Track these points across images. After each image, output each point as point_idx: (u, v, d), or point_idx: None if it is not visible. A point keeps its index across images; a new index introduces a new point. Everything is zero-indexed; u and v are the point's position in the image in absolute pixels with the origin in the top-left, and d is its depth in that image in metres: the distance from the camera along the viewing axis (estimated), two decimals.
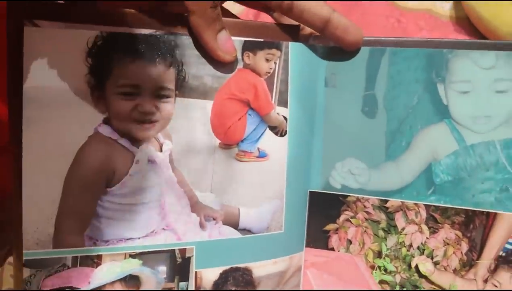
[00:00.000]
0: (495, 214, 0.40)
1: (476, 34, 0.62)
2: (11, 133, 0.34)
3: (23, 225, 0.34)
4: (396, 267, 0.43)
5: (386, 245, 0.43)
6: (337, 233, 0.44)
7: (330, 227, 0.44)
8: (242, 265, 0.40)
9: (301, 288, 0.44)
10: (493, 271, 0.41)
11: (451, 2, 0.64)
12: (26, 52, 0.33)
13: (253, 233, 0.41)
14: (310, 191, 0.44)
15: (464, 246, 0.41)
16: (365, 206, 0.43)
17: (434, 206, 0.41)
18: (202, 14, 0.35)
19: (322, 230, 0.44)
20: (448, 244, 0.42)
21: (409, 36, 0.60)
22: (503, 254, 0.40)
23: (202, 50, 0.37)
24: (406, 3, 0.65)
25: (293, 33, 0.40)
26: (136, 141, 0.37)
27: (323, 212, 0.44)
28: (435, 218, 0.42)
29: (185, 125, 0.38)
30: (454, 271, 0.42)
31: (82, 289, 0.35)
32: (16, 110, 0.34)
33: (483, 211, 0.40)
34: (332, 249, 0.44)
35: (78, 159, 0.35)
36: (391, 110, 0.42)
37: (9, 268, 0.50)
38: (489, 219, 0.40)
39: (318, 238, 0.45)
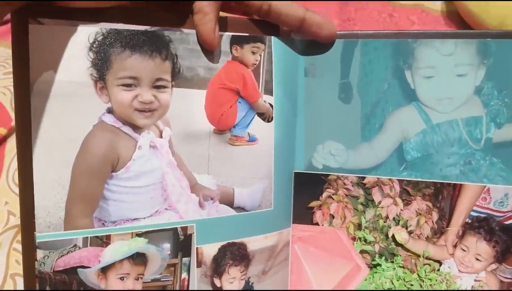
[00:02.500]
0: (461, 185, 0.43)
1: (465, 28, 0.64)
2: (18, 125, 0.35)
3: (35, 210, 0.35)
4: (375, 238, 0.46)
5: (365, 218, 0.46)
6: (320, 209, 0.47)
7: (314, 204, 0.47)
8: (237, 240, 0.42)
9: (290, 261, 0.47)
10: (461, 237, 0.44)
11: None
12: (32, 48, 0.34)
13: (246, 211, 0.43)
14: (295, 172, 0.46)
15: (435, 215, 0.45)
16: (344, 183, 0.46)
17: (407, 180, 0.45)
18: (206, 12, 0.37)
19: (307, 207, 0.47)
20: (420, 214, 0.45)
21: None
22: (469, 221, 0.44)
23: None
24: (398, 0, 0.67)
25: (275, 28, 0.43)
26: (138, 129, 0.38)
27: (307, 191, 0.47)
28: (408, 191, 0.45)
29: (182, 113, 0.40)
30: (427, 238, 0.45)
31: (93, 267, 0.36)
32: (24, 103, 0.35)
33: (450, 183, 0.44)
34: (317, 224, 0.47)
35: (84, 146, 0.36)
36: (365, 96, 0.45)
37: (14, 254, 0.50)
38: (456, 190, 0.44)
39: (303, 215, 0.47)
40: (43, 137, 0.35)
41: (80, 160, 0.36)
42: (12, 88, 0.62)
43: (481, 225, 0.43)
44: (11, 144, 0.58)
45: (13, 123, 0.59)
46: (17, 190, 0.57)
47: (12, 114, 0.60)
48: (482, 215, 0.44)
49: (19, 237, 0.55)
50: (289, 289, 0.47)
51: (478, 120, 0.43)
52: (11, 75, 0.65)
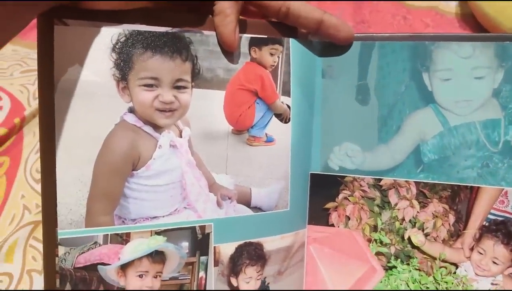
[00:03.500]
0: (478, 187, 0.43)
1: (480, 30, 0.63)
2: (42, 123, 0.35)
3: (58, 206, 0.35)
4: (390, 240, 0.45)
5: (381, 220, 0.45)
6: (336, 210, 0.46)
7: (330, 205, 0.46)
8: (254, 240, 0.42)
9: (305, 262, 0.46)
10: (478, 240, 0.43)
11: (456, 0, 0.64)
12: (56, 48, 0.35)
13: (263, 211, 0.42)
14: (311, 173, 0.46)
15: (451, 218, 0.44)
16: (361, 185, 0.46)
17: (423, 182, 0.44)
18: (227, 14, 0.37)
19: (323, 208, 0.46)
20: (437, 216, 0.44)
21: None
22: (486, 224, 0.43)
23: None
24: (412, 2, 0.65)
25: (293, 30, 0.42)
26: (159, 128, 0.38)
27: (323, 192, 0.46)
28: (425, 193, 0.44)
29: (202, 113, 0.40)
30: (443, 241, 0.44)
31: (112, 264, 0.36)
32: (48, 102, 0.35)
33: (467, 186, 0.43)
34: (332, 225, 0.47)
35: (106, 145, 0.36)
36: (382, 97, 0.44)
37: (31, 251, 0.50)
38: (473, 192, 0.43)
39: (319, 216, 0.47)
40: (66, 135, 0.35)
41: (102, 158, 0.36)
42: (29, 87, 0.63)
43: (499, 228, 0.43)
44: (29, 138, 0.58)
45: (26, 112, 0.59)
46: (34, 185, 0.57)
47: (28, 109, 0.60)
48: (500, 218, 0.43)
49: (35, 234, 0.55)
50: (304, 289, 0.46)
51: (496, 123, 0.42)
52: (29, 74, 0.66)
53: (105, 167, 0.36)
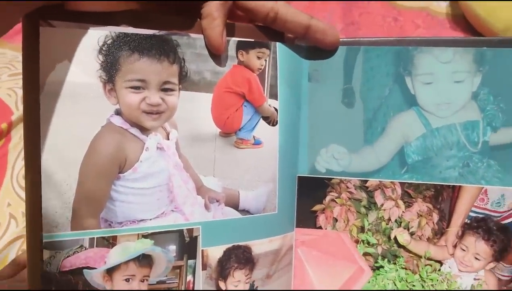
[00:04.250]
0: (460, 186, 0.43)
1: (471, 31, 0.62)
2: (27, 125, 0.34)
3: (43, 209, 0.34)
4: (377, 240, 0.45)
5: (367, 221, 0.46)
6: (323, 213, 0.46)
7: (317, 207, 0.46)
8: (242, 243, 0.41)
9: (293, 265, 0.46)
10: (460, 237, 0.44)
11: (447, 1, 0.64)
12: (42, 50, 0.34)
13: (251, 214, 0.42)
14: (298, 176, 0.46)
15: (435, 217, 0.44)
16: (347, 187, 0.46)
17: (408, 183, 0.44)
18: (215, 17, 0.37)
19: (310, 210, 0.46)
20: (421, 215, 0.44)
21: (405, 35, 0.62)
22: (468, 221, 0.44)
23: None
24: (403, 2, 0.65)
25: (280, 34, 0.43)
26: (145, 131, 0.38)
27: (310, 194, 0.46)
28: (409, 193, 0.45)
29: (189, 116, 0.39)
30: (428, 239, 0.44)
31: (98, 268, 0.35)
32: (33, 104, 0.34)
33: (449, 185, 0.44)
34: (320, 228, 0.46)
35: (92, 147, 0.35)
36: (367, 101, 0.45)
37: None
38: (455, 191, 0.44)
39: (307, 218, 0.46)
40: (52, 137, 0.34)
41: (88, 160, 0.35)
42: (17, 90, 0.62)
43: (480, 225, 0.43)
44: (15, 140, 0.57)
45: (13, 117, 0.58)
46: (20, 192, 0.55)
47: (16, 113, 0.59)
48: (480, 215, 0.43)
49: (24, 246, 0.53)
50: (293, 290, 0.46)
51: (475, 125, 0.43)
52: (17, 77, 0.64)
53: (92, 169, 0.35)
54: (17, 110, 0.59)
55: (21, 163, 0.57)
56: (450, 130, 0.43)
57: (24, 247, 0.53)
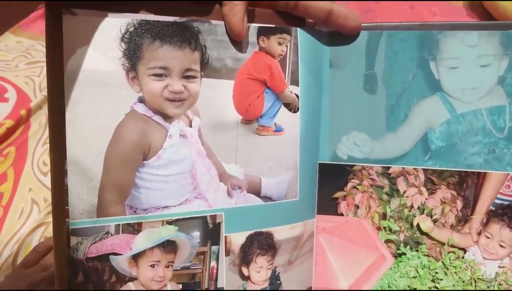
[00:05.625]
0: (485, 173, 0.42)
1: (488, 18, 0.61)
2: (51, 113, 0.34)
3: (69, 196, 0.34)
4: (399, 227, 0.44)
5: (390, 208, 0.45)
6: (345, 200, 0.45)
7: (339, 194, 0.46)
8: (264, 230, 0.41)
9: (314, 252, 0.45)
10: (485, 224, 0.43)
11: None
12: (65, 38, 0.34)
13: (273, 200, 0.41)
14: (319, 163, 0.45)
15: (459, 204, 0.43)
16: (369, 174, 0.45)
17: (431, 169, 0.43)
18: (236, 4, 0.36)
19: (332, 197, 0.46)
20: (445, 202, 0.43)
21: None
22: (493, 208, 0.43)
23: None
24: None
25: (301, 20, 0.42)
26: (168, 118, 0.37)
27: (331, 181, 0.45)
28: (433, 180, 0.43)
29: (211, 103, 0.39)
30: (451, 226, 0.43)
31: (124, 254, 0.35)
32: (57, 92, 0.34)
33: (474, 172, 0.42)
34: (341, 215, 0.46)
35: (116, 134, 0.35)
36: (390, 86, 0.44)
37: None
38: (480, 178, 0.42)
39: (328, 205, 0.46)
40: (76, 125, 0.34)
41: (112, 148, 0.35)
42: (35, 78, 0.62)
43: (505, 212, 0.42)
44: (34, 127, 0.57)
45: (32, 104, 0.58)
46: (41, 178, 0.56)
47: (34, 100, 0.59)
48: (506, 203, 0.42)
49: (46, 233, 0.54)
50: (313, 280, 0.45)
51: (502, 110, 0.42)
52: (34, 65, 0.65)
53: (116, 156, 0.35)
54: (35, 97, 0.59)
55: (41, 150, 0.58)
56: (476, 116, 0.42)
57: (46, 234, 0.54)
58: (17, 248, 0.53)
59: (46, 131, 0.59)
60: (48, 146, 0.52)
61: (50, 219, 0.54)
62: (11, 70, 0.64)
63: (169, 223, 0.37)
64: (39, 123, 0.60)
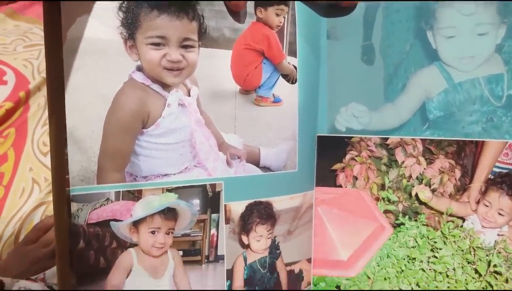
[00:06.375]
0: (483, 142, 0.42)
1: None
2: (50, 82, 0.34)
3: (69, 164, 0.34)
4: (398, 197, 0.45)
5: (388, 178, 0.45)
6: (343, 171, 0.46)
7: (337, 166, 0.46)
8: (264, 199, 0.41)
9: (313, 223, 0.45)
10: (483, 193, 0.43)
11: None
12: (64, 8, 0.34)
13: (272, 171, 0.42)
14: (318, 135, 0.45)
15: (458, 173, 0.43)
16: (368, 145, 0.45)
17: (430, 139, 0.43)
18: None
19: (330, 169, 0.46)
20: (443, 172, 0.43)
21: None
22: (492, 177, 0.43)
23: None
24: None
25: None
26: (167, 87, 0.37)
27: (330, 153, 0.45)
28: (431, 150, 0.44)
29: (209, 72, 0.39)
30: (450, 196, 0.43)
31: (125, 220, 0.35)
32: (56, 61, 0.34)
33: (472, 140, 0.42)
34: (340, 186, 0.46)
35: (115, 102, 0.35)
36: (387, 57, 0.44)
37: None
38: (478, 147, 0.42)
39: (327, 177, 0.46)
40: (75, 93, 0.34)
41: (111, 116, 0.35)
42: (33, 61, 0.62)
43: (504, 181, 0.42)
44: (33, 109, 0.57)
45: (30, 85, 0.58)
46: (41, 158, 0.56)
47: (32, 82, 0.59)
48: (504, 171, 0.42)
49: (47, 212, 0.54)
50: (313, 251, 0.46)
51: (500, 78, 0.41)
52: (32, 48, 0.64)
53: (115, 124, 0.35)
54: (34, 79, 0.59)
55: (40, 131, 0.58)
56: (473, 84, 0.42)
57: (47, 213, 0.54)
58: (19, 226, 0.54)
59: (45, 112, 0.59)
60: (48, 127, 0.52)
61: (51, 198, 0.54)
62: (9, 53, 0.64)
63: (169, 190, 0.37)
64: (38, 104, 0.60)
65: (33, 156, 0.56)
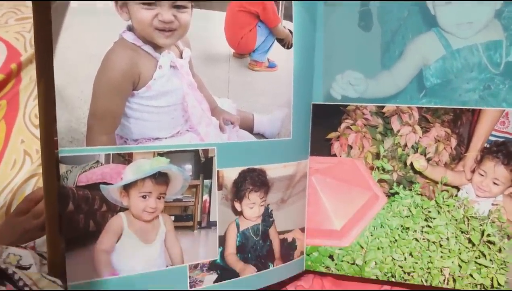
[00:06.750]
0: (480, 110, 0.42)
1: None
2: (38, 40, 0.33)
3: (58, 124, 0.33)
4: (393, 166, 0.44)
5: (383, 147, 0.44)
6: (338, 140, 0.45)
7: (332, 135, 0.45)
8: (257, 167, 0.40)
9: (307, 192, 0.45)
10: (479, 162, 0.42)
11: None
12: None
13: (266, 138, 0.41)
14: (313, 104, 0.44)
15: (453, 142, 0.43)
16: (363, 113, 0.44)
17: (426, 107, 0.43)
18: None
19: (325, 138, 0.45)
20: (439, 141, 0.43)
21: None
22: (488, 146, 0.42)
23: None
24: None
25: None
26: (158, 48, 0.36)
27: (325, 122, 0.45)
28: (427, 118, 0.43)
29: (202, 34, 0.38)
30: (445, 165, 0.43)
31: (115, 184, 0.35)
32: (44, 19, 0.33)
33: (469, 108, 0.42)
34: (335, 155, 0.45)
35: (105, 62, 0.34)
36: (385, 23, 0.43)
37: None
38: (474, 115, 0.42)
39: (321, 146, 0.45)
40: (64, 53, 0.33)
41: (101, 76, 0.34)
42: (25, 34, 0.60)
43: (499, 149, 0.41)
44: (25, 81, 0.56)
45: (22, 58, 0.57)
46: (33, 130, 0.55)
47: (24, 54, 0.58)
48: (500, 139, 0.42)
49: (39, 184, 0.54)
50: (306, 220, 0.45)
51: (498, 44, 0.41)
52: (24, 21, 0.63)
53: (105, 84, 0.34)
54: (26, 52, 0.58)
55: (32, 103, 0.57)
56: (471, 51, 0.41)
57: (39, 184, 0.53)
58: (10, 198, 0.53)
59: None
60: None
61: (41, 170, 0.53)
62: (0, 26, 0.62)
63: (161, 154, 0.36)
64: (30, 77, 0.59)
65: (25, 128, 0.55)
